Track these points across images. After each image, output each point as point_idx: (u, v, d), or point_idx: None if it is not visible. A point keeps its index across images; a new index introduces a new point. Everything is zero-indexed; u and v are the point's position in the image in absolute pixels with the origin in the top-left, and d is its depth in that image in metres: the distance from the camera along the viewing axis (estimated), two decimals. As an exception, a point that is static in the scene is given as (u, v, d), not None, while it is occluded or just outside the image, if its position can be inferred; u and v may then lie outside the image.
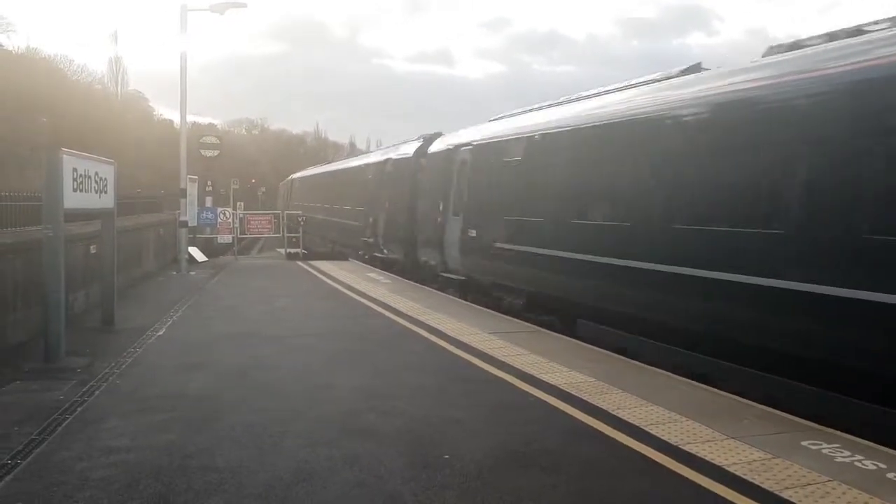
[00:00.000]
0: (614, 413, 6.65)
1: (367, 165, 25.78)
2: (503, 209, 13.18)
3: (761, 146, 7.73)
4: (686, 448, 5.71)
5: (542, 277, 11.91)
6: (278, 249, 28.30)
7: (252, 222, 25.42)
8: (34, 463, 5.38)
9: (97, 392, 7.35)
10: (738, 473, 5.18)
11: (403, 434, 6.09)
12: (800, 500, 4.73)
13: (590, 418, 6.53)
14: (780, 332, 7.26)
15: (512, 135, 13.55)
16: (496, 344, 9.83)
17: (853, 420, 6.51)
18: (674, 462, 5.44)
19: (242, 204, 41.09)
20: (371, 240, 23.25)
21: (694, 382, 7.81)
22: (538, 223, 11.97)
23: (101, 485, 4.94)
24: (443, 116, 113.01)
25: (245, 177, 67.59)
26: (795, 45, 8.15)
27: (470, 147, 15.33)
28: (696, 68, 10.06)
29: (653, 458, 5.56)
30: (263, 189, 72.11)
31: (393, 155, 22.41)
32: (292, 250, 24.91)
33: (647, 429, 6.19)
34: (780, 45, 8.43)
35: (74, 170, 9.18)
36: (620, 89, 11.30)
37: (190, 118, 23.43)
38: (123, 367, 8.45)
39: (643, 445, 5.81)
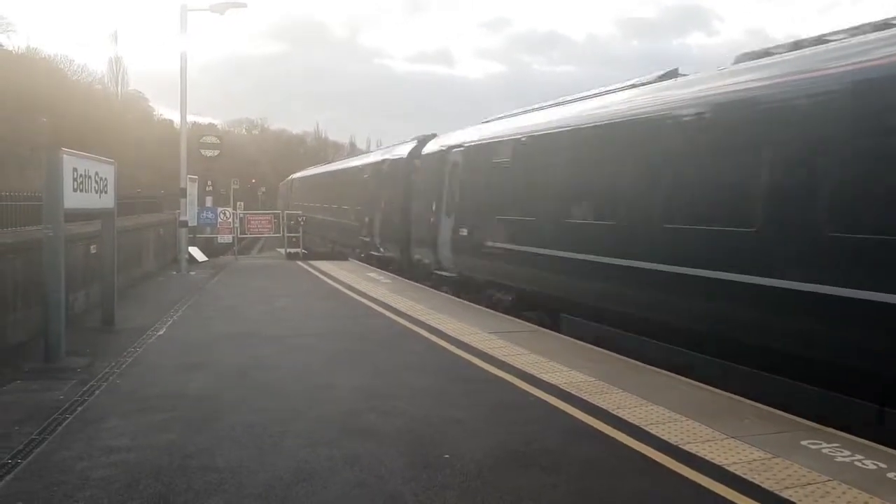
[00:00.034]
0: (614, 413, 6.65)
1: (364, 166, 26.10)
2: (492, 209, 13.60)
3: (726, 149, 8.15)
4: (686, 448, 5.71)
5: (528, 275, 12.35)
6: (278, 249, 28.31)
7: (252, 222, 25.43)
8: (34, 462, 5.38)
9: (97, 392, 7.35)
10: (738, 473, 5.18)
11: (404, 434, 6.09)
12: (800, 500, 4.73)
13: (590, 418, 6.53)
14: (745, 324, 7.69)
15: (500, 137, 13.96)
16: (496, 343, 9.83)
17: (854, 420, 6.52)
18: (674, 462, 5.44)
19: (242, 204, 41.10)
20: (368, 239, 23.67)
21: (694, 382, 7.81)
22: (524, 222, 12.41)
23: (101, 484, 4.95)
24: (443, 116, 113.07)
25: (245, 177, 67.59)
26: (764, 53, 8.49)
27: (461, 149, 15.72)
28: (672, 74, 10.37)
29: (653, 457, 5.56)
30: (263, 189, 72.10)
31: (388, 156, 22.85)
32: (292, 250, 24.92)
33: (647, 428, 6.19)
34: (749, 53, 8.81)
35: (75, 170, 9.19)
36: (600, 94, 11.70)
37: (190, 118, 23.46)
38: (123, 366, 8.46)
39: (643, 445, 5.81)
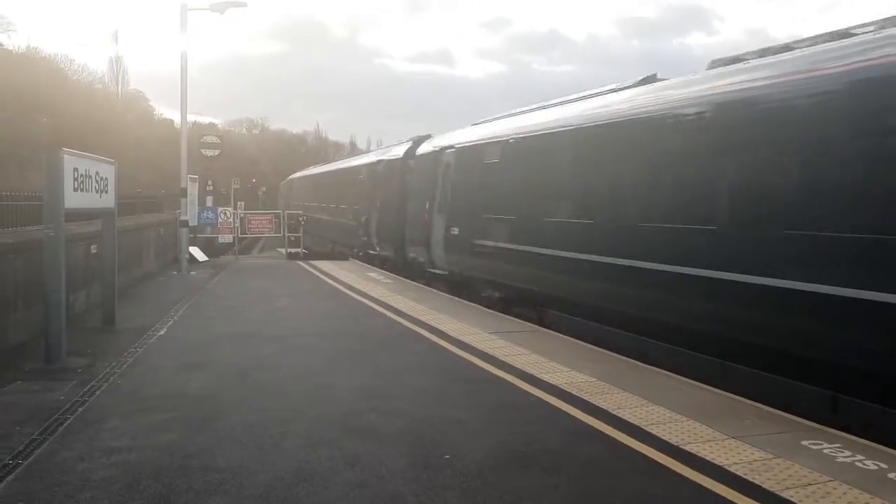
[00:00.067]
0: (615, 413, 6.65)
1: (361, 166, 26.65)
2: (481, 208, 14.12)
3: (692, 151, 8.72)
4: (687, 448, 5.71)
5: (514, 271, 12.88)
6: (279, 249, 28.32)
7: (253, 222, 25.43)
8: (35, 463, 5.38)
9: (98, 392, 7.35)
10: (738, 473, 5.18)
11: (405, 434, 6.09)
12: (800, 501, 4.73)
13: (591, 418, 6.53)
14: (704, 315, 8.31)
15: (488, 139, 14.51)
16: (497, 344, 9.83)
17: (854, 420, 6.53)
18: (675, 462, 5.44)
19: (243, 203, 41.12)
20: (365, 238, 24.05)
21: (695, 382, 7.81)
22: (510, 221, 12.92)
23: (102, 485, 4.95)
24: (443, 116, 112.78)
25: (246, 176, 67.59)
26: (734, 60, 8.95)
27: (453, 150, 16.27)
28: (651, 79, 10.82)
29: (654, 458, 5.56)
30: (264, 189, 72.11)
31: (384, 156, 23.45)
32: (293, 250, 24.92)
33: (647, 429, 6.19)
34: (720, 59, 9.30)
35: (75, 170, 9.19)
36: (583, 98, 12.21)
37: (190, 118, 23.48)
38: (124, 367, 8.46)
39: (644, 445, 5.81)
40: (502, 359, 8.90)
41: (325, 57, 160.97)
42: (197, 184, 22.99)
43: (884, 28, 7.08)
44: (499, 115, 15.83)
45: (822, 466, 5.29)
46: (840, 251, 6.65)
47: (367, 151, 44.70)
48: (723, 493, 4.88)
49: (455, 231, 15.35)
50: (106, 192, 10.62)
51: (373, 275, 19.11)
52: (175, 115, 55.09)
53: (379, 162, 23.54)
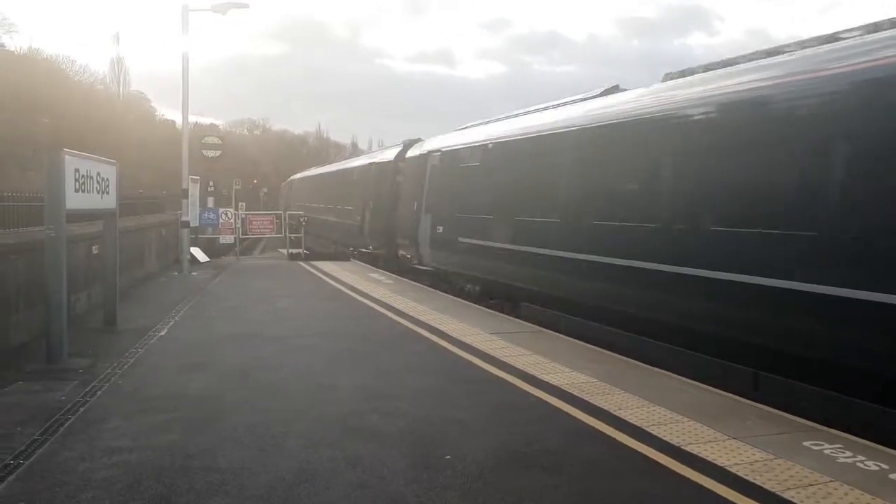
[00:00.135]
0: (616, 414, 6.65)
1: (356, 168, 28.11)
2: (462, 208, 15.20)
3: (640, 157, 9.72)
4: (688, 449, 5.71)
5: (493, 267, 13.83)
6: (280, 250, 28.32)
7: (254, 223, 25.41)
8: (37, 463, 5.39)
9: (99, 392, 7.36)
10: (739, 474, 5.18)
11: (406, 435, 6.09)
12: (801, 501, 4.73)
13: (591, 419, 6.53)
14: (650, 302, 9.21)
15: (469, 144, 15.69)
16: (498, 344, 9.83)
17: (855, 420, 6.53)
18: (675, 463, 5.44)
19: (244, 204, 41.17)
20: (359, 237, 25.22)
21: (696, 383, 7.81)
22: (489, 220, 13.90)
23: (103, 485, 4.95)
24: (443, 116, 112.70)
25: (247, 177, 67.57)
26: (681, 73, 9.92)
27: (438, 153, 17.37)
28: (614, 89, 11.86)
29: (654, 458, 5.56)
30: (265, 189, 72.13)
31: (377, 159, 24.82)
32: (294, 251, 24.92)
33: (648, 429, 6.19)
34: (672, 73, 10.28)
35: (76, 170, 9.20)
36: (553, 107, 13.25)
37: (192, 119, 23.37)
38: (125, 367, 8.47)
39: (645, 446, 5.81)
40: (503, 359, 8.91)
41: (325, 57, 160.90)
42: (198, 185, 23.01)
43: (807, 47, 7.97)
44: (480, 121, 16.82)
45: (824, 467, 5.29)
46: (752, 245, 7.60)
47: (368, 152, 45.03)
48: (724, 494, 4.88)
49: (440, 230, 16.33)
50: (107, 192, 10.64)
51: (374, 275, 19.11)
52: (176, 116, 55.21)
53: (372, 164, 24.80)
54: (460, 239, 15.07)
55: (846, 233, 6.66)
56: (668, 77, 10.22)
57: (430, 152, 18.03)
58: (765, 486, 4.96)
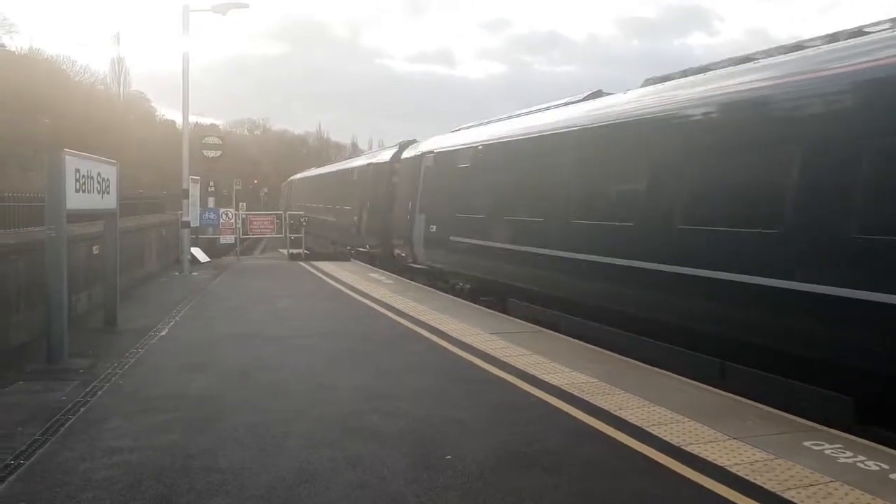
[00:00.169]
0: (616, 414, 6.65)
1: (354, 169, 28.47)
2: (455, 208, 15.62)
3: (614, 160, 10.30)
4: (688, 449, 5.71)
5: (482, 265, 14.31)
6: (280, 250, 28.34)
7: (254, 223, 25.42)
8: (37, 463, 5.39)
9: (100, 392, 7.36)
10: (740, 474, 5.18)
11: (406, 435, 6.09)
12: (802, 501, 4.73)
13: (591, 419, 6.53)
14: (622, 296, 9.72)
15: (461, 145, 16.19)
16: (498, 344, 9.84)
17: (855, 420, 6.54)
18: (676, 463, 5.44)
19: (245, 204, 41.16)
20: (357, 236, 25.59)
21: (696, 383, 7.81)
22: (478, 219, 14.37)
23: (103, 485, 4.96)
24: (443, 116, 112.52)
25: (247, 177, 67.59)
26: (665, 78, 10.29)
27: (432, 154, 17.84)
28: (598, 94, 12.37)
29: (655, 458, 5.56)
30: (266, 190, 72.15)
31: (374, 160, 25.31)
32: (294, 251, 24.94)
33: (649, 429, 6.19)
34: (651, 78, 10.72)
35: (77, 170, 9.21)
36: (540, 110, 13.80)
37: (192, 119, 23.42)
38: (126, 367, 8.47)
39: (645, 446, 5.81)
40: (503, 359, 8.91)
41: (325, 57, 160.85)
42: (199, 185, 23.02)
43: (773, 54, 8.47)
44: (472, 124, 17.37)
45: (824, 467, 5.29)
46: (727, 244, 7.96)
47: (367, 152, 45.12)
48: (724, 494, 4.88)
49: (433, 229, 16.80)
50: (108, 192, 10.64)
51: (374, 275, 19.12)
52: (176, 116, 55.28)
53: (369, 165, 25.30)
54: (452, 238, 15.53)
55: (804, 231, 7.04)
56: (648, 82, 10.66)
57: (424, 153, 18.48)
58: (765, 486, 4.96)
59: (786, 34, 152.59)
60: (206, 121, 73.76)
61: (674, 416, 6.53)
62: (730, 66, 9.01)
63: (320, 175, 39.30)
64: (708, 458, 5.50)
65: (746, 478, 5.11)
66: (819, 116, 7.22)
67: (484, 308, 13.52)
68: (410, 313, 12.51)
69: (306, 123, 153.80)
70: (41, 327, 9.26)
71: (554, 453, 5.68)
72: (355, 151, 79.66)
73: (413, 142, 21.54)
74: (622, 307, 9.75)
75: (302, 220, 25.89)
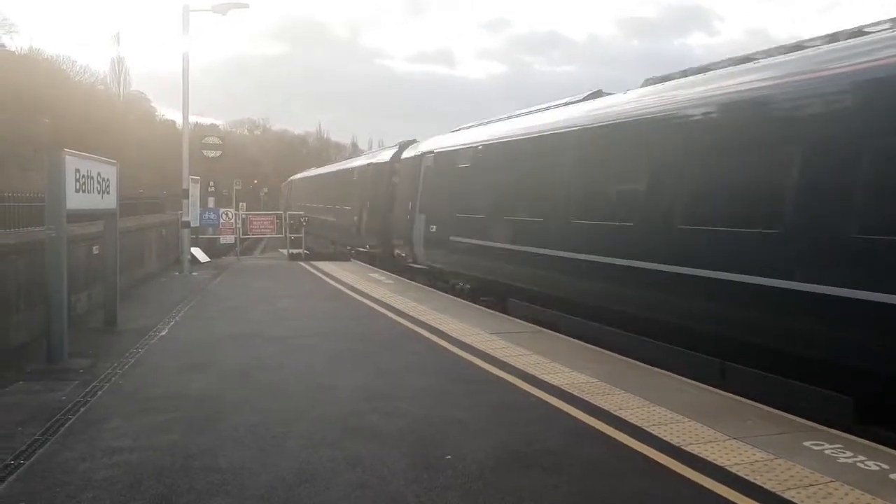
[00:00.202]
0: (616, 414, 6.65)
1: (354, 169, 28.53)
2: (455, 208, 15.64)
3: (615, 160, 10.32)
4: (688, 449, 5.71)
5: (482, 265, 14.34)
6: (280, 250, 28.34)
7: (254, 223, 25.42)
8: (37, 463, 5.39)
9: (100, 392, 7.36)
10: (740, 474, 5.18)
11: (406, 435, 6.09)
12: (802, 501, 4.73)
13: (592, 419, 6.53)
14: (638, 301, 9.58)
15: (461, 145, 16.19)
16: (498, 344, 9.84)
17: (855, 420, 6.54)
18: (676, 463, 5.44)
19: (245, 204, 41.16)
20: (357, 236, 25.67)
21: (696, 383, 7.81)
22: (478, 219, 14.39)
23: (103, 485, 4.96)
24: (443, 116, 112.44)
25: (247, 177, 67.60)
26: (665, 78, 10.28)
27: (432, 154, 17.87)
28: (598, 94, 12.38)
29: (655, 458, 5.56)
30: (266, 189, 72.15)
31: (373, 160, 25.34)
32: (294, 251, 24.94)
33: (649, 429, 6.19)
34: (652, 78, 10.72)
35: (77, 170, 9.20)
36: (540, 110, 13.83)
37: (192, 119, 23.42)
38: (126, 367, 8.47)
39: (645, 446, 5.81)
40: (503, 359, 8.91)
41: (325, 57, 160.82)
42: (199, 185, 23.02)
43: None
44: (472, 124, 17.38)
45: (824, 467, 5.29)
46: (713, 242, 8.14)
47: (367, 152, 45.17)
48: (724, 494, 4.88)
49: (433, 229, 16.80)
50: (108, 192, 10.64)
51: (374, 275, 19.12)
52: (176, 116, 55.29)
53: (369, 165, 25.34)
54: (452, 238, 15.54)
55: (804, 231, 7.05)
56: (648, 82, 10.68)
57: (424, 154, 18.52)
58: (765, 486, 4.96)
59: (786, 34, 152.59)
60: (206, 121, 73.89)
61: (674, 416, 6.53)
62: (730, 66, 9.01)
63: (320, 175, 39.40)
64: (708, 458, 5.50)
65: (746, 478, 5.11)
66: (819, 116, 7.22)
67: (484, 308, 13.52)
68: (410, 313, 12.51)
69: (306, 123, 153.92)
70: (41, 327, 9.26)
71: (554, 453, 5.68)
72: (355, 151, 79.65)
73: (413, 142, 21.58)
74: (622, 307, 9.76)
75: (302, 220, 25.89)
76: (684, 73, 9.90)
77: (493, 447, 5.76)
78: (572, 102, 12.62)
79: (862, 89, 6.73)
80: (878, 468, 5.28)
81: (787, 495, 4.81)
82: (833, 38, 7.72)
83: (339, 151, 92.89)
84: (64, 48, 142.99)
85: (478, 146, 15.16)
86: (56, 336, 8.63)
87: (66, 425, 6.27)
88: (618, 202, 10.27)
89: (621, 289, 9.72)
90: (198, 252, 22.86)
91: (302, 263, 22.75)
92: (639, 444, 5.87)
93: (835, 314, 6.61)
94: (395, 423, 6.39)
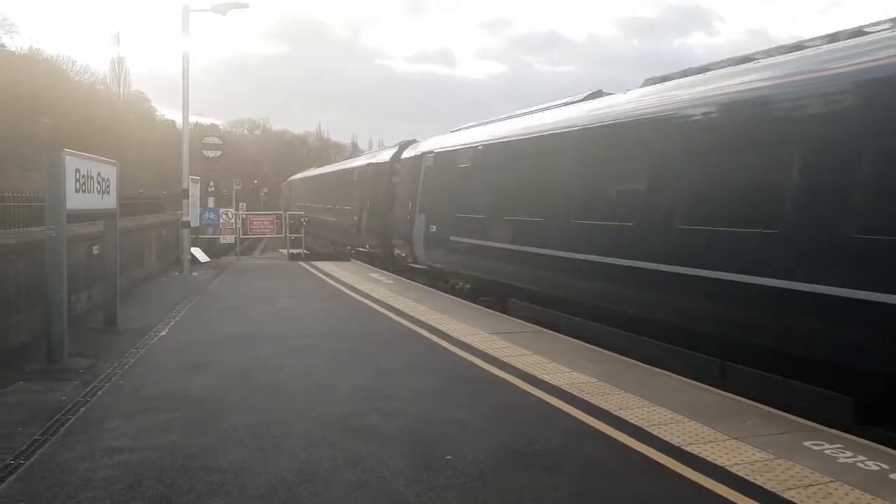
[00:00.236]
0: (616, 414, 6.65)
1: (353, 169, 28.62)
2: (455, 208, 15.69)
3: (611, 160, 10.45)
4: (688, 449, 5.71)
5: (482, 265, 14.39)
6: (280, 250, 28.35)
7: (254, 223, 25.42)
8: (37, 463, 5.39)
9: (100, 392, 7.36)
10: (739, 474, 5.18)
11: (406, 434, 6.09)
12: (802, 501, 4.73)
13: (591, 419, 6.53)
14: (638, 301, 9.63)
15: (461, 145, 16.24)
16: (498, 344, 9.84)
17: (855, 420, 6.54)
18: (676, 463, 5.44)
19: (245, 204, 41.16)
20: (357, 236, 25.78)
21: (696, 383, 7.81)
22: (478, 219, 14.44)
23: (103, 485, 4.96)
24: (443, 116, 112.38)
25: (247, 177, 67.59)
26: (665, 78, 10.35)
27: (432, 154, 17.94)
28: (598, 94, 12.44)
29: (655, 458, 5.56)
30: (266, 189, 72.15)
31: (373, 160, 25.44)
32: (294, 251, 24.95)
33: (649, 429, 6.19)
34: (651, 78, 10.80)
35: (77, 170, 9.20)
36: (541, 110, 13.90)
37: (192, 119, 23.42)
38: (126, 367, 8.47)
39: (645, 446, 5.81)
40: (503, 359, 8.91)
41: (325, 57, 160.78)
42: (199, 185, 23.01)
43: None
44: (472, 124, 17.43)
45: (824, 467, 5.29)
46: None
47: (367, 152, 45.23)
48: (724, 494, 4.88)
49: (433, 229, 16.87)
50: (108, 192, 10.64)
51: (374, 275, 19.12)
52: (176, 116, 55.30)
53: (369, 165, 25.41)
54: (452, 238, 15.58)
55: (803, 231, 7.06)
56: (648, 82, 10.73)
57: (423, 154, 18.56)
58: (765, 486, 4.96)
59: (786, 34, 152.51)
60: (206, 121, 73.90)
61: (674, 416, 6.53)
62: (730, 65, 9.02)
63: (320, 175, 39.50)
64: (708, 458, 5.50)
65: (746, 478, 5.11)
66: (819, 116, 7.22)
67: (484, 308, 13.52)
68: (410, 313, 12.51)
69: (306, 123, 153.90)
70: (41, 327, 9.26)
71: (554, 453, 5.68)
72: (355, 151, 79.64)
73: (413, 142, 21.64)
74: (622, 307, 9.78)
75: (302, 220, 25.90)
76: (684, 73, 9.95)
77: (494, 447, 5.76)
78: (572, 102, 12.65)
79: (862, 89, 6.73)
80: (878, 468, 5.28)
81: (787, 495, 4.81)
82: (833, 38, 7.72)
83: (339, 151, 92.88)
84: (64, 48, 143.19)
85: (478, 146, 15.19)
86: (56, 336, 8.63)
87: (66, 425, 6.27)
88: (617, 202, 10.31)
89: (621, 289, 9.75)
90: (198, 252, 22.86)
91: (302, 263, 22.75)
92: (639, 444, 5.87)
93: (835, 314, 6.61)
94: (395, 423, 6.39)
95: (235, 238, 24.99)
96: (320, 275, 19.27)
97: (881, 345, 6.24)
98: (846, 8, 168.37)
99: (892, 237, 6.15)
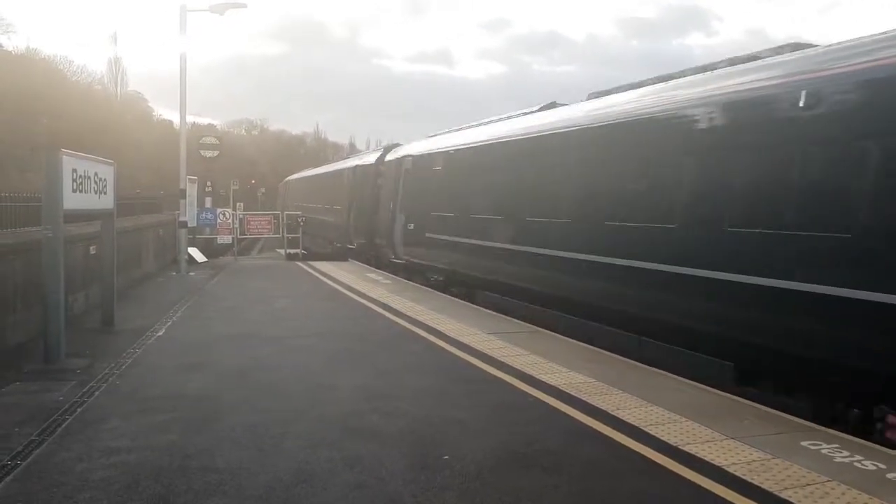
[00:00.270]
0: (614, 414, 6.65)
1: (343, 170, 29.83)
2: (430, 207, 17.01)
3: (560, 165, 11.58)
4: (686, 448, 5.72)
5: (454, 259, 15.75)
6: (278, 250, 28.35)
7: (252, 223, 25.43)
8: (34, 464, 5.38)
9: (97, 393, 7.35)
10: (737, 474, 5.19)
11: (405, 434, 6.09)
12: (799, 501, 4.74)
13: (590, 419, 6.53)
14: (576, 287, 10.96)
15: (434, 150, 17.58)
16: (496, 344, 9.84)
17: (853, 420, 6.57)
18: (674, 462, 5.45)
19: (242, 204, 41.05)
20: (345, 233, 27.18)
21: (694, 383, 7.82)
22: (448, 217, 15.80)
23: (101, 485, 4.95)
24: (442, 116, 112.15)
25: (245, 177, 67.52)
26: (605, 93, 11.64)
27: (411, 158, 19.26)
28: (551, 105, 13.75)
29: (653, 458, 5.57)
30: (263, 190, 72.06)
31: (360, 162, 26.79)
32: (292, 251, 24.93)
33: (646, 429, 6.19)
34: (596, 92, 12.12)
35: (74, 170, 9.18)
36: (502, 119, 15.38)
37: (189, 119, 23.49)
38: (123, 367, 8.46)
39: (643, 446, 5.81)
40: (501, 359, 8.91)
41: (324, 57, 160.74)
42: (196, 185, 22.98)
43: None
44: (446, 130, 18.77)
45: (821, 467, 5.30)
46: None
47: (358, 154, 45.47)
48: (721, 494, 4.88)
49: (411, 226, 18.24)
50: (105, 193, 10.62)
51: (371, 275, 19.12)
52: (174, 116, 54.97)
53: (357, 167, 26.58)
54: (427, 234, 16.97)
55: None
56: (591, 96, 12.13)
57: (404, 157, 19.86)
58: (762, 486, 4.96)
59: (785, 34, 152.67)
60: (204, 121, 73.79)
61: (671, 416, 6.54)
62: (656, 83, 10.17)
63: (315, 175, 40.18)
64: (705, 458, 5.50)
65: (744, 477, 5.12)
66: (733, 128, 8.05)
67: (482, 308, 13.53)
68: (408, 313, 12.50)
69: (305, 123, 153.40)
70: (38, 327, 9.23)
71: (553, 453, 5.68)
72: (353, 152, 79.39)
73: (397, 145, 23.03)
74: (566, 294, 11.22)
75: (299, 220, 25.89)
76: (618, 90, 11.29)
77: (492, 447, 5.76)
78: (528, 113, 14.04)
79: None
80: (874, 468, 5.30)
81: (784, 495, 4.82)
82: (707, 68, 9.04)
83: (337, 152, 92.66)
84: (61, 48, 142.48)
85: (449, 151, 16.50)
86: (53, 336, 8.61)
87: (64, 425, 6.26)
88: (561, 202, 11.43)
89: (561, 276, 11.28)
90: (195, 252, 22.83)
91: (299, 263, 22.75)
92: (637, 444, 5.87)
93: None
94: (394, 423, 6.39)
95: (233, 238, 24.97)
96: (317, 275, 19.26)
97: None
98: (846, 8, 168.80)
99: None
